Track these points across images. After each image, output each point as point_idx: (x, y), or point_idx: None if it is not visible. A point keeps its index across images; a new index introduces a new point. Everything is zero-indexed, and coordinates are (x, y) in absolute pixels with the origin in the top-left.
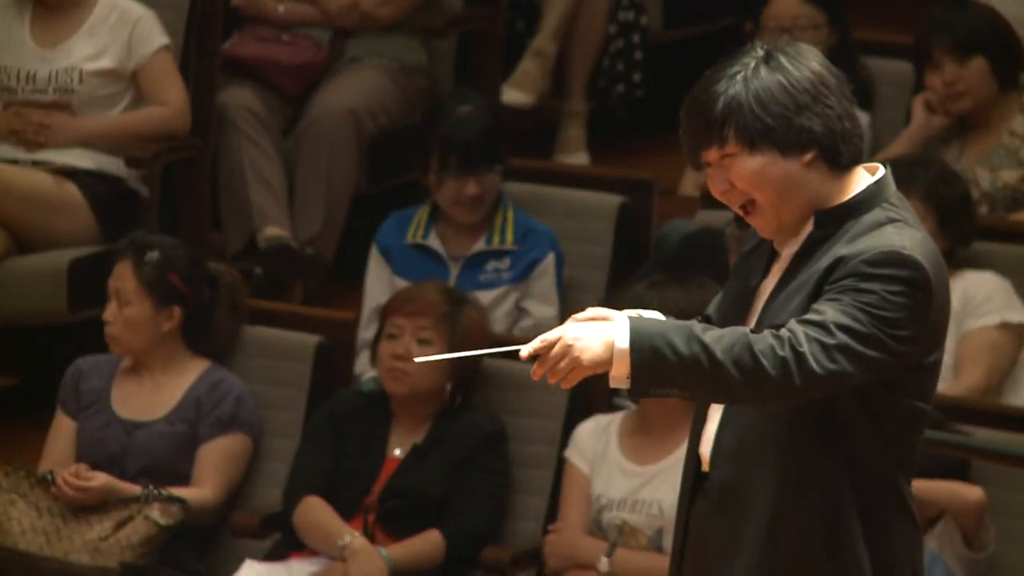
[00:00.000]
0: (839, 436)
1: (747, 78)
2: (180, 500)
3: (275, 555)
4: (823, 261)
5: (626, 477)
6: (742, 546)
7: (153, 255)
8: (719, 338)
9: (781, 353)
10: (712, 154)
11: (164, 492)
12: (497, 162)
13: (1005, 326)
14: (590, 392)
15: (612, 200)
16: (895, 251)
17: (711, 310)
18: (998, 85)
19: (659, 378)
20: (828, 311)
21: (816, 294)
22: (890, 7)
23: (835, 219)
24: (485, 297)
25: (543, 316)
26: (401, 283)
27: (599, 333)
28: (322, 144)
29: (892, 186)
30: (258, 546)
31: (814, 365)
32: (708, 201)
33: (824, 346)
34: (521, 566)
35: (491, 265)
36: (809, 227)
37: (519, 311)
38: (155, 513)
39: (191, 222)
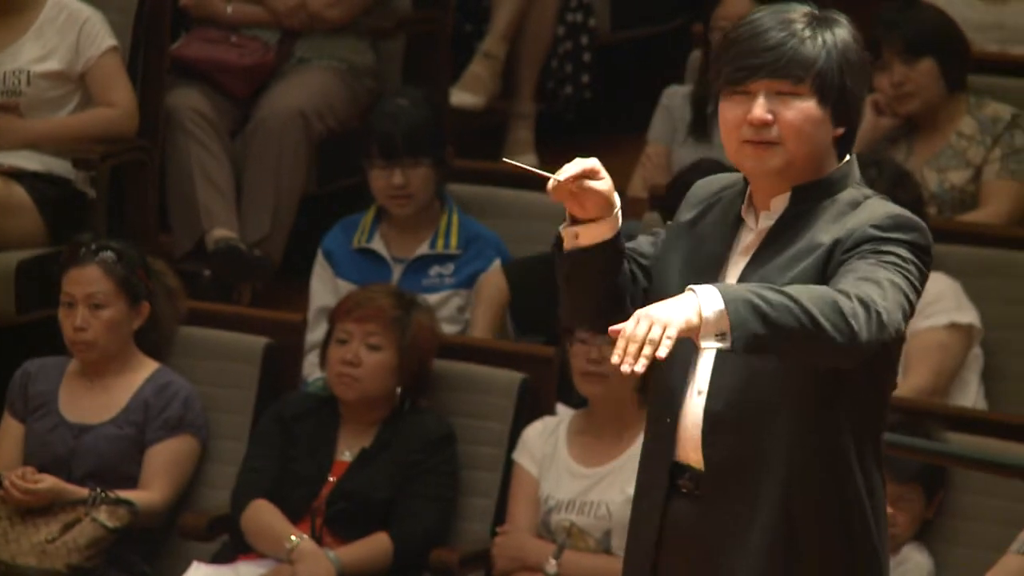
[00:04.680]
0: (844, 399)
1: (829, 34)
2: (128, 503)
3: (223, 557)
4: (814, 235)
5: (574, 479)
6: (751, 528)
7: (110, 255)
8: (802, 291)
9: (862, 311)
10: (777, 85)
11: (111, 495)
12: (424, 155)
13: (953, 327)
14: (537, 394)
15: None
16: (900, 215)
17: (646, 255)
18: (946, 86)
19: (758, 328)
20: (877, 272)
21: (823, 267)
22: (838, 8)
23: (812, 196)
24: (427, 300)
25: None
26: (344, 285)
27: (679, 302)
28: (270, 146)
29: (857, 169)
30: (206, 548)
31: (888, 323)
32: (656, 202)
33: (890, 304)
34: (469, 568)
35: (434, 270)
36: (784, 201)
37: (467, 322)
38: (102, 516)
39: (139, 224)
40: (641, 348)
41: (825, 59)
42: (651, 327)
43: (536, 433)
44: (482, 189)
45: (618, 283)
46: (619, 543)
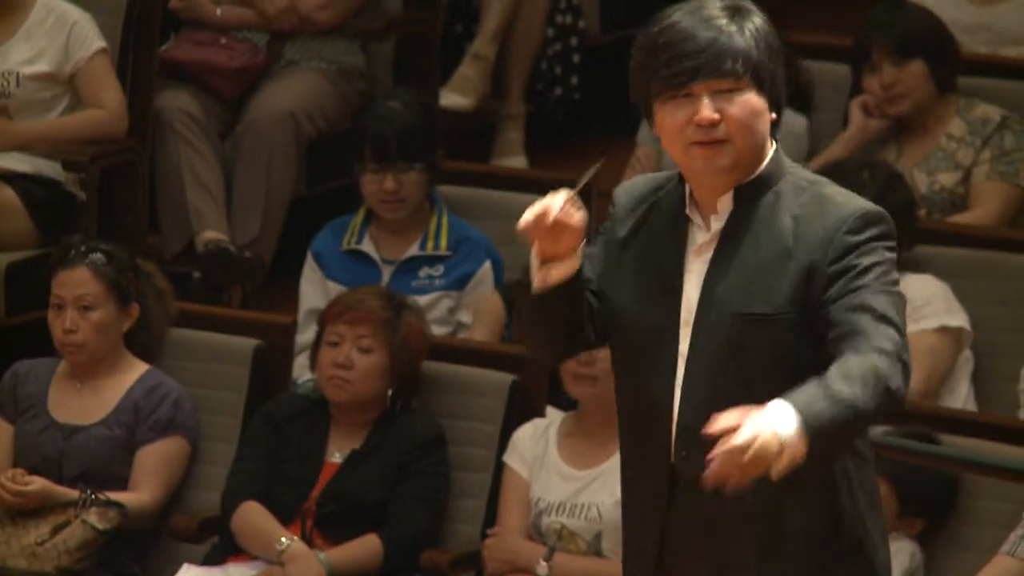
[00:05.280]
0: None
1: (750, 23)
2: (118, 504)
3: (213, 559)
4: (774, 236)
5: (565, 481)
6: (746, 517)
7: (100, 257)
8: (851, 382)
9: (897, 370)
10: (718, 84)
11: (102, 496)
12: (416, 160)
13: (944, 330)
14: (528, 396)
15: None
16: (864, 210)
17: (589, 277)
18: (936, 88)
19: (829, 447)
20: (874, 303)
21: (803, 285)
22: (828, 10)
23: (755, 193)
24: (417, 302)
25: None
26: (333, 286)
27: (766, 420)
28: (260, 147)
29: (782, 151)
30: (196, 550)
31: (908, 361)
32: None
33: (903, 343)
34: (460, 570)
35: (424, 271)
36: (729, 203)
37: (458, 324)
38: (93, 517)
39: (129, 226)
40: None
41: (756, 49)
42: (762, 448)
43: (527, 435)
44: (472, 191)
45: (580, 311)
46: (610, 545)
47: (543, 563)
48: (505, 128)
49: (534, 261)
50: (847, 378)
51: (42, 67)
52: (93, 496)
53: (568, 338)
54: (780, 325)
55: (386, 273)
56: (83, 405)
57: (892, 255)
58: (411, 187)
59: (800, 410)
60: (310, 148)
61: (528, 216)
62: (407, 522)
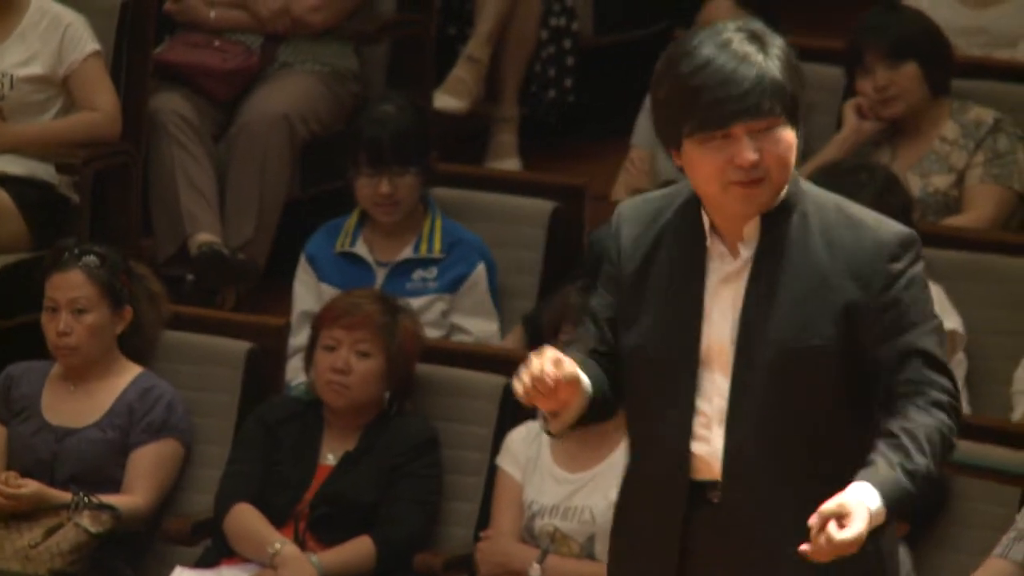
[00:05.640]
0: (862, 411)
1: (775, 50)
2: (111, 507)
3: (206, 562)
4: (810, 263)
5: (558, 484)
6: (773, 526)
7: (93, 259)
8: (922, 451)
9: (954, 422)
10: (756, 124)
11: (95, 499)
12: (412, 164)
13: None
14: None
15: (544, 206)
16: (901, 234)
17: (603, 312)
18: (929, 90)
19: (906, 511)
20: (926, 345)
21: (851, 320)
22: (821, 12)
23: (781, 219)
24: (410, 305)
25: (484, 332)
26: (327, 289)
27: (861, 512)
28: (254, 150)
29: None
30: (189, 553)
31: (960, 405)
32: None
33: (955, 387)
34: (453, 573)
35: (418, 274)
36: (756, 229)
37: (451, 327)
38: (85, 520)
39: (122, 228)
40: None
41: (787, 81)
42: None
43: (520, 438)
44: (465, 193)
45: (608, 403)
46: (602, 548)
47: (536, 566)
48: (499, 130)
49: (541, 412)
50: (919, 449)
51: (36, 69)
52: (86, 499)
53: (607, 412)
54: (827, 355)
55: (380, 276)
56: (76, 408)
57: (925, 275)
58: (406, 190)
59: (884, 495)
60: (304, 150)
61: (521, 386)
62: (400, 524)
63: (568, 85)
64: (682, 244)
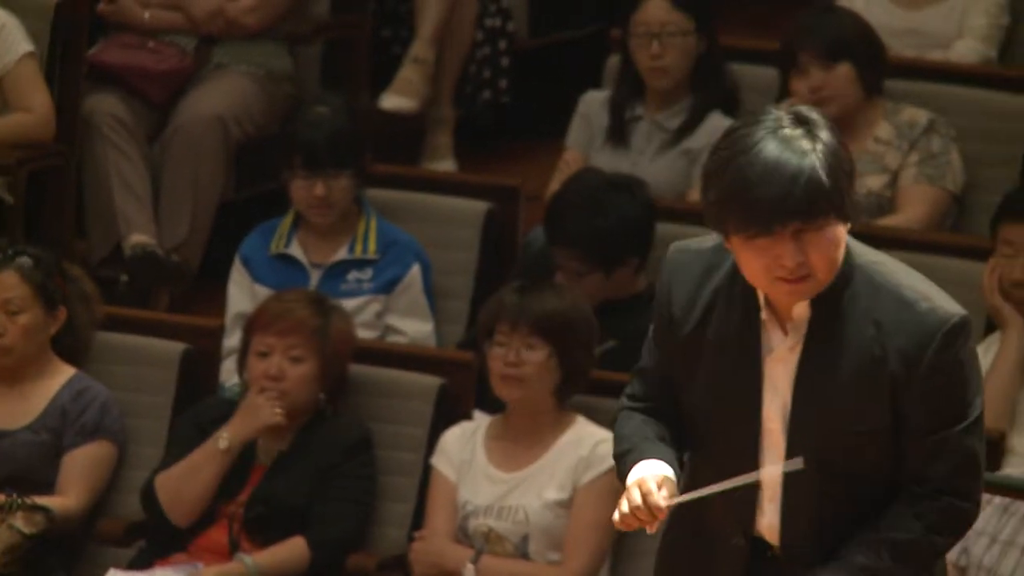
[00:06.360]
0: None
1: (821, 144)
2: (44, 509)
3: (139, 563)
4: (861, 344)
5: (492, 484)
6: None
7: (27, 260)
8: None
9: (951, 536)
10: (806, 226)
11: (28, 501)
12: (346, 166)
13: None
14: (456, 399)
15: (479, 207)
16: (949, 325)
17: (657, 370)
18: (864, 91)
19: None
20: (953, 443)
21: (893, 394)
22: (756, 13)
23: (832, 299)
24: (345, 306)
25: (418, 332)
26: (261, 290)
27: None
28: (188, 151)
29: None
30: (123, 554)
31: (975, 508)
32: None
33: (975, 469)
34: (387, 573)
35: (352, 275)
36: (806, 310)
37: (386, 328)
38: (19, 522)
39: (56, 229)
40: None
41: (835, 177)
42: None
43: (454, 438)
44: (400, 194)
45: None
46: (536, 547)
47: (470, 566)
48: (434, 132)
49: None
50: (892, 558)
51: None
52: (19, 500)
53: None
54: (878, 440)
55: (314, 277)
56: (9, 409)
57: (972, 362)
58: (341, 193)
59: None
60: (238, 152)
61: (623, 519)
62: (333, 525)
63: (503, 86)
64: (736, 312)
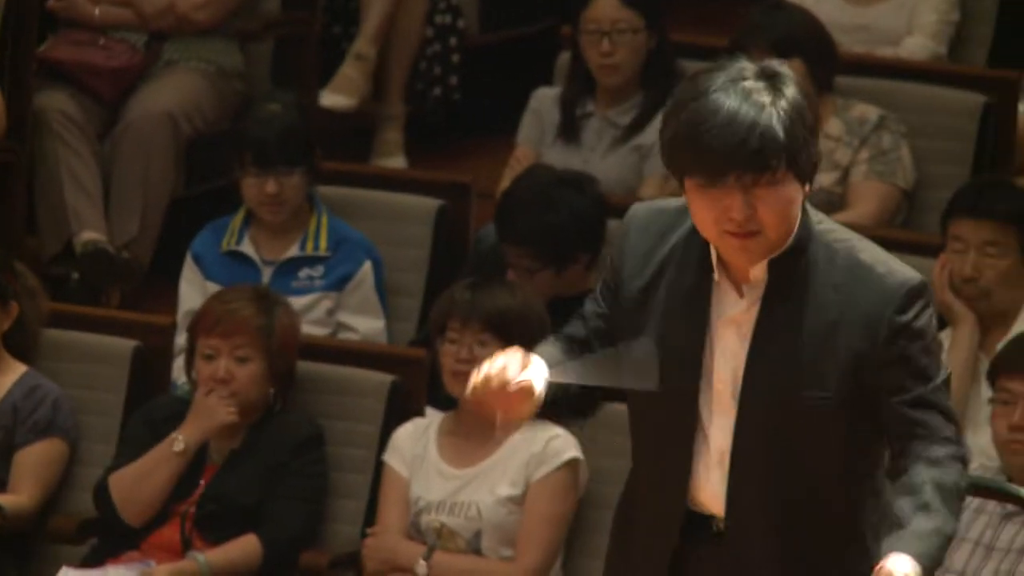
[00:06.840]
0: (874, 440)
1: (784, 100)
2: None
3: (92, 561)
4: (818, 309)
5: (444, 480)
6: (772, 558)
7: None
8: (950, 512)
9: (965, 477)
10: (754, 178)
11: None
12: (298, 163)
13: None
14: (408, 395)
15: (430, 203)
16: (907, 283)
17: (592, 321)
18: (814, 88)
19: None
20: (931, 398)
21: (853, 368)
22: (706, 9)
23: (789, 263)
24: (296, 303)
25: (370, 329)
26: (213, 287)
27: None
28: (139, 148)
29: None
30: (75, 552)
31: (967, 449)
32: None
33: (963, 438)
34: (339, 570)
35: (304, 272)
36: (762, 272)
37: (338, 325)
38: None
39: (6, 226)
40: None
41: (792, 133)
42: None
43: (406, 434)
44: (351, 191)
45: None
46: (489, 543)
47: (422, 562)
48: (385, 128)
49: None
50: (950, 509)
51: None
52: None
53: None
54: (830, 408)
55: (266, 274)
56: None
57: (934, 326)
58: (292, 190)
59: (921, 561)
60: (189, 148)
61: (475, 385)
62: (285, 523)
63: (454, 83)
64: (689, 272)
